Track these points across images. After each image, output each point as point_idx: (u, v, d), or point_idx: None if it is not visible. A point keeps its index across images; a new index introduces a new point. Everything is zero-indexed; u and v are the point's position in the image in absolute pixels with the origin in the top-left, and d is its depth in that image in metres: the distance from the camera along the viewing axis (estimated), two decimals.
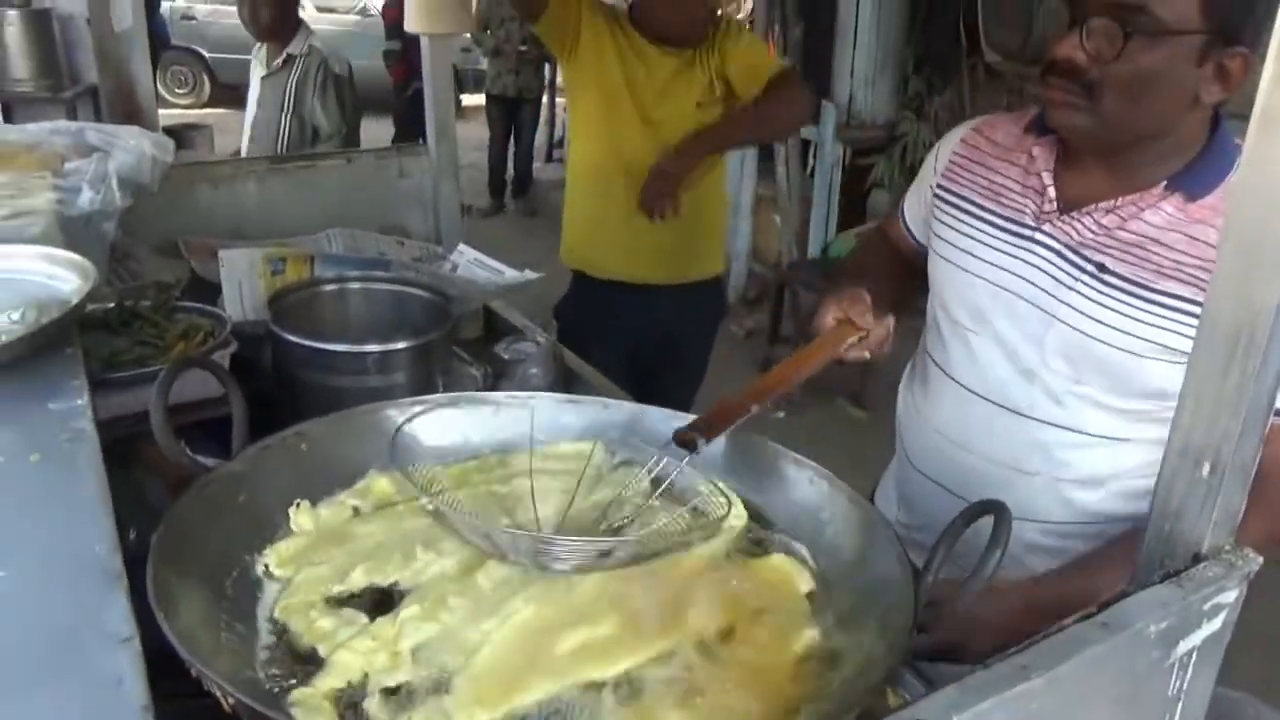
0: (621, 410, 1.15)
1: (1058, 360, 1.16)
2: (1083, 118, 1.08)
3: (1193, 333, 1.01)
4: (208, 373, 1.11)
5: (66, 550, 0.74)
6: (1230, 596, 0.82)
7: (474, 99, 9.79)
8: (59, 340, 1.09)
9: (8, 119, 4.23)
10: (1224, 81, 1.04)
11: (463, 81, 9.54)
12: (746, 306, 5.46)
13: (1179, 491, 0.83)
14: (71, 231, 1.44)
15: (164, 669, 0.67)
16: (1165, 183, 1.10)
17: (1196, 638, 0.81)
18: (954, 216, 1.29)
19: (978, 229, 1.25)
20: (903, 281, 1.43)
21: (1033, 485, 1.21)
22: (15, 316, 1.13)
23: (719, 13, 2.35)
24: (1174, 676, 0.82)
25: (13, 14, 4.15)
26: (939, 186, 1.33)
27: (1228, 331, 0.78)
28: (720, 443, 1.09)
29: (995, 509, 0.81)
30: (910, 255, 1.45)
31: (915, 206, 1.42)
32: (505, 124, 7.08)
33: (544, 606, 0.83)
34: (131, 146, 1.67)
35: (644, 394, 1.32)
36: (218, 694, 0.64)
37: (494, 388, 1.61)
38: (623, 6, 2.43)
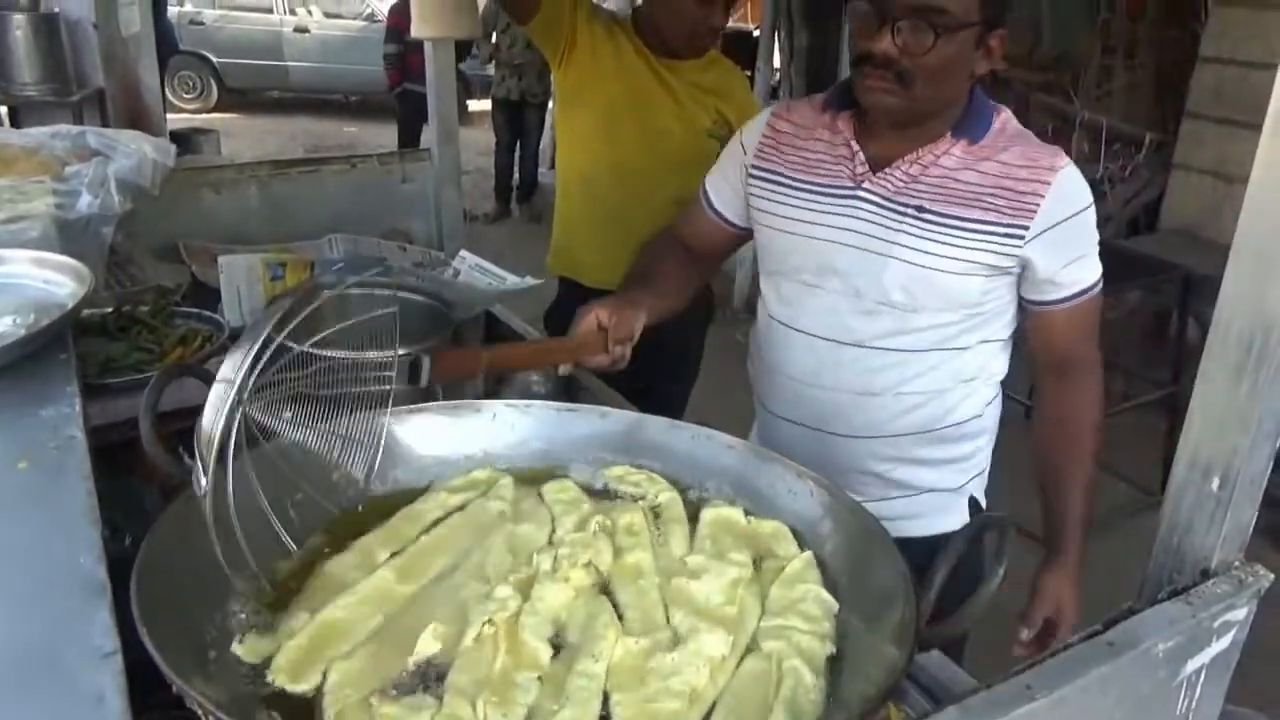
0: (621, 419, 1.14)
1: (897, 292, 1.33)
2: (896, 100, 1.26)
3: (1002, 248, 1.29)
4: None
5: (51, 561, 0.73)
6: (1240, 614, 0.80)
7: (480, 104, 9.81)
8: (53, 346, 1.08)
9: (14, 123, 4.24)
10: (989, 57, 1.28)
11: (470, 87, 9.56)
12: (750, 313, 5.43)
13: (1187, 505, 0.81)
14: (70, 236, 1.44)
15: (150, 678, 0.66)
16: (950, 133, 1.31)
17: (1205, 656, 0.79)
18: (773, 191, 1.43)
19: (800, 198, 1.40)
20: (685, 286, 1.57)
21: (878, 404, 1.40)
22: (9, 321, 1.13)
23: (720, 28, 2.33)
24: (1182, 696, 0.80)
25: (20, 18, 4.15)
26: (754, 167, 1.47)
27: (1238, 341, 0.76)
28: (722, 452, 1.08)
29: (997, 524, 0.79)
30: (709, 239, 1.59)
31: (722, 190, 1.55)
32: (510, 128, 7.06)
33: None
34: (132, 150, 1.66)
35: (635, 399, 1.31)
36: (199, 712, 0.62)
37: (494, 395, 1.60)
38: (626, 14, 2.41)
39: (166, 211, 1.88)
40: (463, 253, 1.93)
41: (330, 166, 2.21)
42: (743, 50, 5.54)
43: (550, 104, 7.17)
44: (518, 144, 7.19)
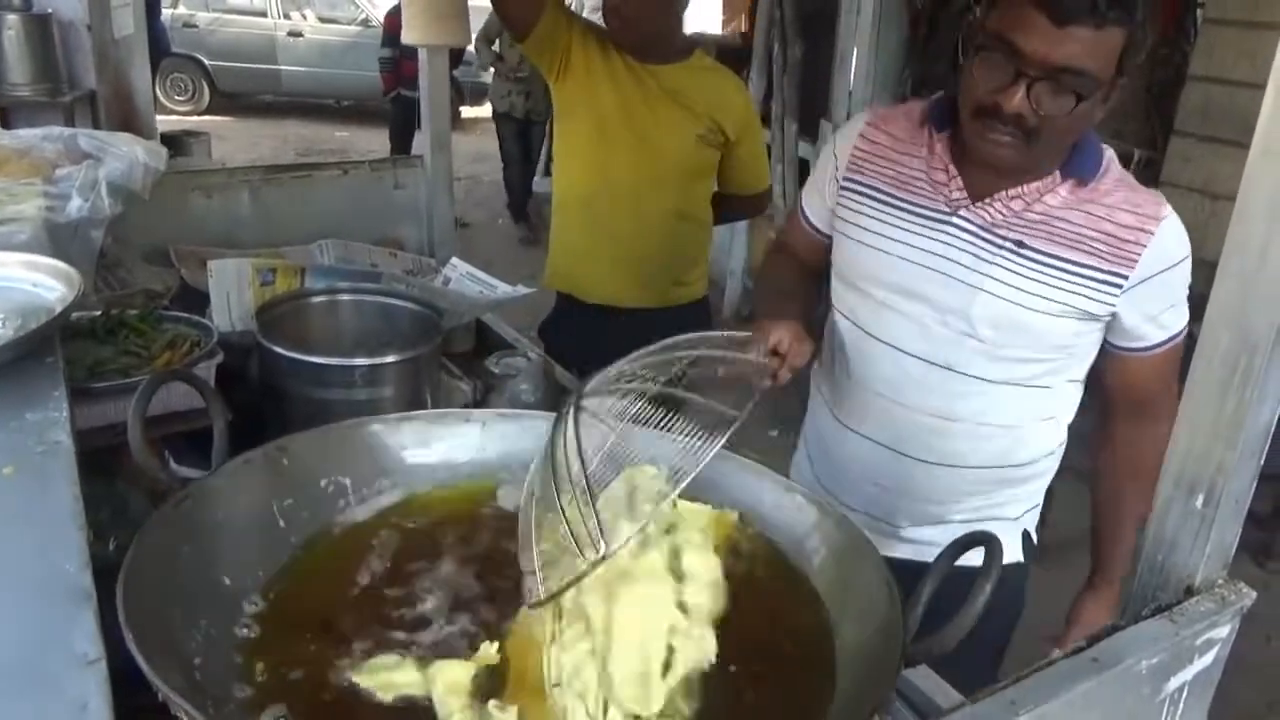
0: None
1: (985, 327, 1.29)
2: (1016, 155, 1.20)
3: (1099, 295, 1.22)
4: None
5: (35, 567, 0.72)
6: (1223, 632, 0.81)
7: (473, 111, 9.81)
8: (40, 349, 1.08)
9: (5, 124, 4.21)
10: (1106, 102, 1.21)
11: (463, 93, 9.57)
12: (741, 324, 5.45)
13: (1172, 522, 0.81)
14: (59, 239, 1.43)
15: (134, 685, 0.65)
16: (1059, 172, 1.25)
17: (1188, 673, 0.80)
18: (863, 204, 1.39)
19: (892, 215, 1.35)
20: (812, 296, 1.55)
21: (957, 431, 1.36)
22: None
23: (680, 24, 2.31)
24: (1165, 713, 0.80)
25: (12, 18, 4.13)
26: (846, 179, 1.42)
27: (1224, 360, 0.77)
28: (709, 462, 1.07)
29: (985, 540, 0.79)
30: (812, 253, 1.54)
31: (815, 200, 1.51)
32: (519, 145, 6.89)
33: None
34: (123, 153, 1.65)
35: None
36: None
37: (483, 403, 1.59)
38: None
39: (156, 215, 1.87)
40: (454, 260, 1.94)
41: (322, 172, 2.20)
42: (736, 62, 5.56)
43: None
44: (526, 159, 7.04)
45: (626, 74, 2.21)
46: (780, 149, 4.90)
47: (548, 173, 7.85)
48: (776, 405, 4.44)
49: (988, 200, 1.27)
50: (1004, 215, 1.27)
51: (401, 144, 7.32)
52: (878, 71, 5.00)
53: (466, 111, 9.91)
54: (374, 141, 8.82)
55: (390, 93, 7.30)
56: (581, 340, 2.34)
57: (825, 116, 5.08)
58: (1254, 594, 0.83)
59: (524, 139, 6.91)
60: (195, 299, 1.65)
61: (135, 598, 0.70)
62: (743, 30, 7.33)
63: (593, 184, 2.30)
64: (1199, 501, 0.79)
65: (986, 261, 1.27)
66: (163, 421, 1.28)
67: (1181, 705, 0.80)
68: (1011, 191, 1.26)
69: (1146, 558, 0.83)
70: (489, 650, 0.80)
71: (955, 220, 1.29)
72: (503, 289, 1.77)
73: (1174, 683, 0.78)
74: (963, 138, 1.27)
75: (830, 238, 1.48)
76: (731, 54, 6.29)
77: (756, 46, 5.21)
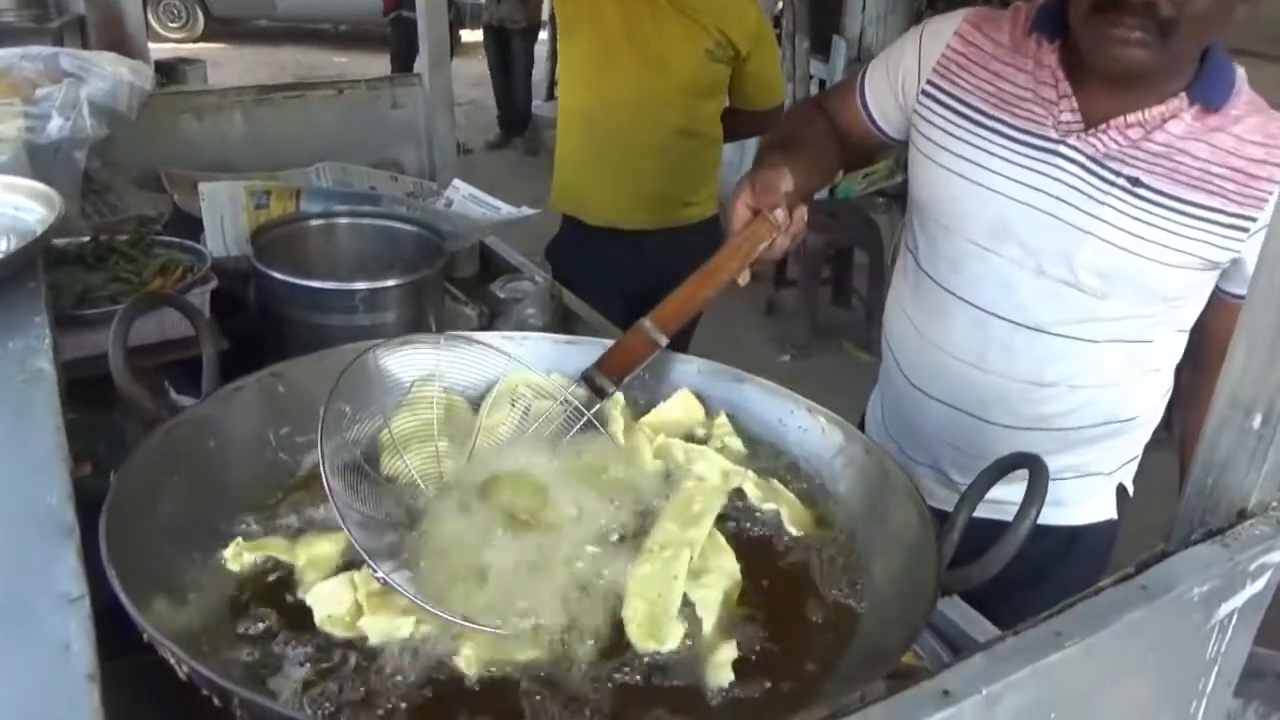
0: None
1: (1089, 276, 1.14)
2: (1149, 56, 1.04)
3: (1223, 241, 1.09)
4: None
5: (15, 501, 0.68)
6: (1278, 556, 0.76)
7: (473, 35, 9.56)
8: (22, 275, 1.02)
9: None
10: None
11: (462, 15, 9.31)
12: None
13: (1226, 443, 0.76)
14: (40, 160, 1.37)
15: (118, 621, 0.62)
16: (1185, 95, 1.09)
17: (1239, 599, 0.76)
18: (951, 120, 1.22)
19: (988, 139, 1.19)
20: (830, 161, 1.34)
21: (1049, 395, 1.23)
22: None
23: None
24: (1213, 639, 0.76)
25: None
26: (930, 84, 1.25)
27: None
28: (730, 386, 1.03)
29: (1030, 463, 0.74)
30: (855, 134, 1.37)
31: (881, 89, 1.33)
32: (498, 55, 6.91)
33: None
34: (107, 73, 1.57)
35: None
36: (172, 662, 0.58)
37: (489, 327, 1.54)
38: None
39: (147, 139, 1.81)
40: (456, 182, 1.86)
41: (317, 92, 2.11)
42: None
43: (542, 34, 7.00)
44: (507, 71, 7.01)
45: None
46: (791, 67, 4.75)
47: (549, 96, 7.69)
48: (786, 329, 4.40)
49: (1102, 127, 1.11)
50: (1121, 145, 1.11)
51: (403, 66, 7.14)
52: None
53: (467, 35, 9.66)
54: (373, 67, 8.61)
55: (391, 13, 7.11)
56: (588, 262, 2.28)
57: (838, 32, 4.92)
58: None
59: (502, 48, 6.83)
60: (189, 224, 1.59)
61: (120, 532, 0.65)
62: None
63: (596, 102, 2.23)
64: (1256, 421, 0.74)
65: (1096, 201, 1.11)
66: (157, 350, 1.24)
67: (1230, 632, 0.76)
68: (1130, 117, 1.10)
69: (1195, 480, 0.79)
70: None
71: (1062, 150, 1.13)
72: (506, 210, 1.70)
73: (1224, 609, 0.74)
74: (1077, 44, 1.10)
75: (884, 133, 1.34)
76: None
77: None
